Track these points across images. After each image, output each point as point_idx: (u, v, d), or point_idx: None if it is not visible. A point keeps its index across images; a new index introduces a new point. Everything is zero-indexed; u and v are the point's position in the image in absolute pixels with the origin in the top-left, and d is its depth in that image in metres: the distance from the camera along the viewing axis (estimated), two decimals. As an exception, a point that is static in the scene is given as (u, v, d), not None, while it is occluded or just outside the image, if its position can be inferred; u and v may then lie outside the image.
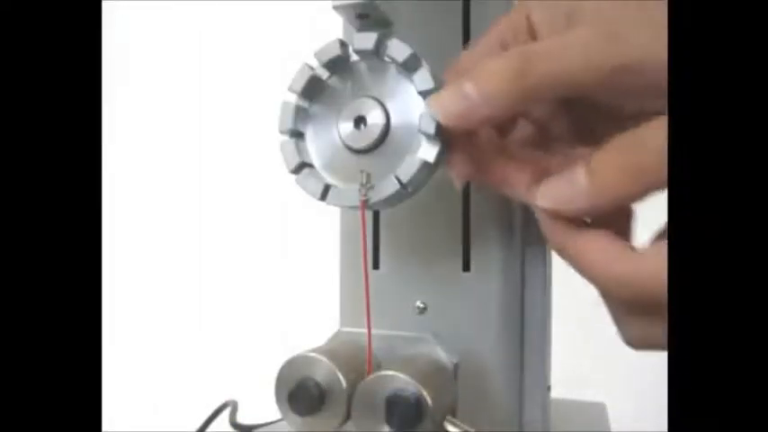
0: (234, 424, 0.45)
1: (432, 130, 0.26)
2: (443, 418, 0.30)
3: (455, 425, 0.30)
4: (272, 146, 0.31)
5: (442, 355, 0.33)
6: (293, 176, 0.29)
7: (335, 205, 0.29)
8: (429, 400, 0.29)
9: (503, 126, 0.29)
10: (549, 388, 0.37)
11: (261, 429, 0.44)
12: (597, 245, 0.24)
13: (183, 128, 0.86)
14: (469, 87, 0.24)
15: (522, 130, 0.30)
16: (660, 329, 0.23)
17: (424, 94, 0.27)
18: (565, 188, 0.24)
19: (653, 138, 0.22)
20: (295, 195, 0.31)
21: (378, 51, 0.28)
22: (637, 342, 0.25)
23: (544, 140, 0.29)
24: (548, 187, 0.24)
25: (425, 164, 0.26)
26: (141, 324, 0.84)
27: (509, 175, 0.27)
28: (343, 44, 0.28)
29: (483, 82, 0.24)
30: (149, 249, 0.87)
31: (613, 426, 0.44)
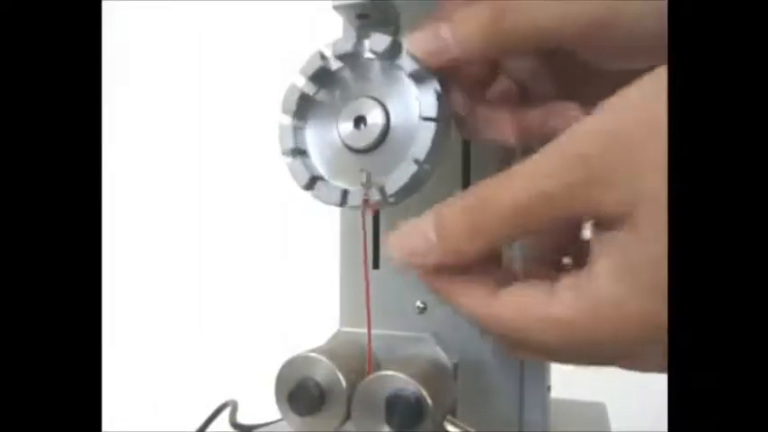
0: (234, 424, 0.45)
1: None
2: (443, 418, 0.30)
3: (455, 425, 0.30)
4: (272, 146, 0.31)
5: (442, 355, 0.33)
6: (286, 161, 0.29)
7: (319, 200, 0.29)
8: (429, 400, 0.29)
9: (483, 80, 0.30)
10: (549, 388, 0.37)
11: (261, 429, 0.44)
12: (462, 289, 0.25)
13: (182, 128, 0.86)
14: (444, 29, 0.26)
15: (503, 85, 0.31)
16: (527, 354, 0.27)
17: (415, 76, 0.27)
18: (417, 242, 0.25)
19: (495, 197, 0.23)
20: (295, 195, 0.31)
21: (390, 55, 0.28)
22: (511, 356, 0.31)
23: (525, 97, 0.30)
24: (400, 239, 0.26)
25: (437, 130, 0.27)
26: (141, 324, 0.84)
27: (492, 117, 0.29)
28: (323, 56, 0.29)
29: (457, 25, 0.26)
30: (149, 249, 0.87)
31: (613, 426, 0.44)
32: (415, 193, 0.28)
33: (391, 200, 0.28)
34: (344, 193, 0.28)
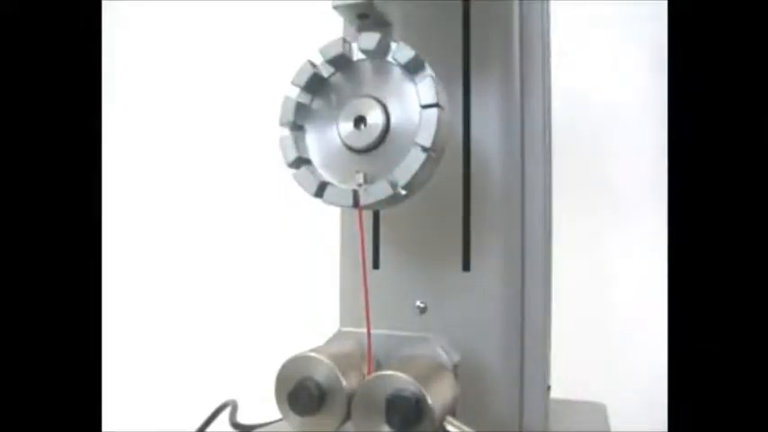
0: (234, 424, 0.45)
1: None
2: (443, 419, 0.30)
3: (455, 425, 0.30)
4: (273, 145, 0.31)
5: (442, 355, 0.33)
6: (291, 172, 0.29)
7: (332, 204, 0.29)
8: (429, 400, 0.29)
9: None
10: (549, 388, 0.37)
11: (261, 429, 0.44)
12: None
13: (182, 127, 0.86)
14: None
15: None
16: None
17: (409, 66, 0.27)
18: None
19: None
20: (295, 195, 0.31)
21: (381, 52, 0.28)
22: None
23: None
24: None
25: (439, 115, 0.27)
26: (141, 324, 0.84)
27: None
28: (346, 42, 0.29)
29: None
30: (149, 249, 0.87)
31: (613, 426, 0.44)
32: (425, 183, 0.28)
33: (403, 192, 0.28)
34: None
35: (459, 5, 0.34)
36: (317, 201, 0.29)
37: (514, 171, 0.35)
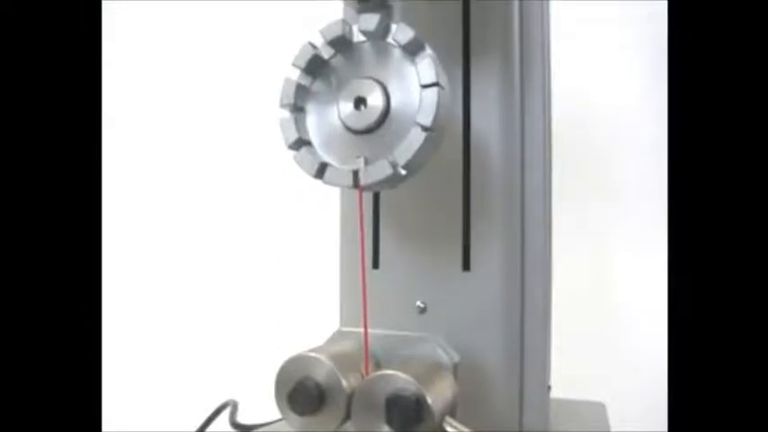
0: (234, 424, 0.45)
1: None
2: (443, 419, 0.30)
3: (453, 426, 0.30)
4: (275, 144, 0.31)
5: (442, 355, 0.33)
6: (291, 153, 0.29)
7: (332, 185, 0.29)
8: (429, 400, 0.29)
9: None
10: (549, 388, 0.37)
11: (261, 429, 0.44)
12: None
13: (180, 127, 0.86)
14: None
15: None
16: None
17: (409, 47, 0.27)
18: None
19: None
20: (295, 194, 0.31)
21: (381, 33, 0.28)
22: None
23: None
24: None
25: (440, 94, 0.27)
26: (141, 324, 0.84)
27: None
28: (346, 24, 0.29)
29: None
30: (149, 249, 0.87)
31: (613, 426, 0.44)
32: (425, 164, 0.28)
33: (403, 172, 0.28)
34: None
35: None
36: (317, 201, 0.29)
37: (515, 169, 0.35)
